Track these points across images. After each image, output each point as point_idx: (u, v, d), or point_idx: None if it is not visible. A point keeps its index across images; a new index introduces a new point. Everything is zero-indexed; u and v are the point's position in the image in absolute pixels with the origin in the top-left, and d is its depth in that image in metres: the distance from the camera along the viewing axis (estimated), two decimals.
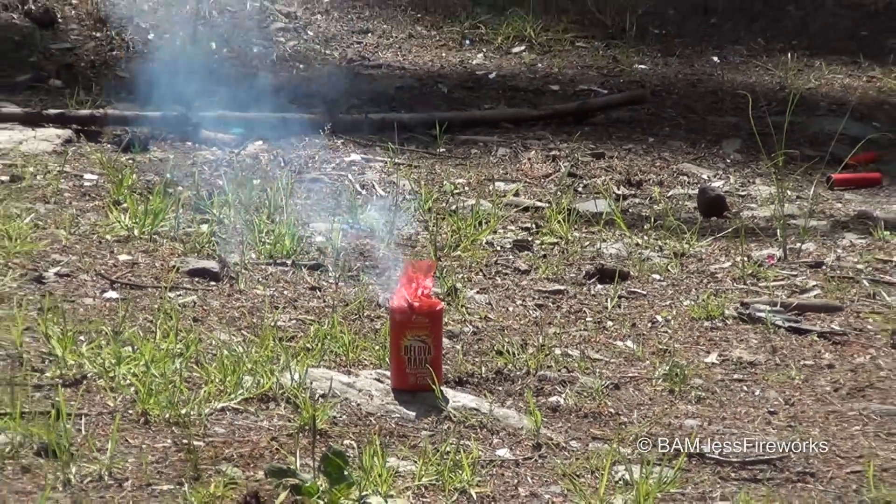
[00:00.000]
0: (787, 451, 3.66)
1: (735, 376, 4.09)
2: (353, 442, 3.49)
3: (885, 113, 4.77)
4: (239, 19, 5.74)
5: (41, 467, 3.25)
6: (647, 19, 5.47)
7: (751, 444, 3.74)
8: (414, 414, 3.66)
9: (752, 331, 4.16)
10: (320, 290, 4.41)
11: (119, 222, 4.38)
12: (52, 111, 4.55)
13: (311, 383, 3.69)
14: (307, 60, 5.88)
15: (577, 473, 3.48)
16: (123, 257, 4.11)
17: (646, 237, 4.22)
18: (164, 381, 3.65)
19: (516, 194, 4.59)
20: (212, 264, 4.42)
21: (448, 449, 3.48)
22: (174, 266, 4.47)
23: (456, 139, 4.88)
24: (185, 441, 3.44)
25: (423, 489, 3.35)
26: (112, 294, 4.14)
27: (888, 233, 4.75)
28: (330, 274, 4.27)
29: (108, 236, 4.12)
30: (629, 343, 3.97)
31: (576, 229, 4.11)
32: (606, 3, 5.81)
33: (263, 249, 4.57)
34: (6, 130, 4.23)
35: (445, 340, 3.78)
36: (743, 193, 4.50)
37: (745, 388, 4.07)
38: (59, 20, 5.08)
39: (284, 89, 4.90)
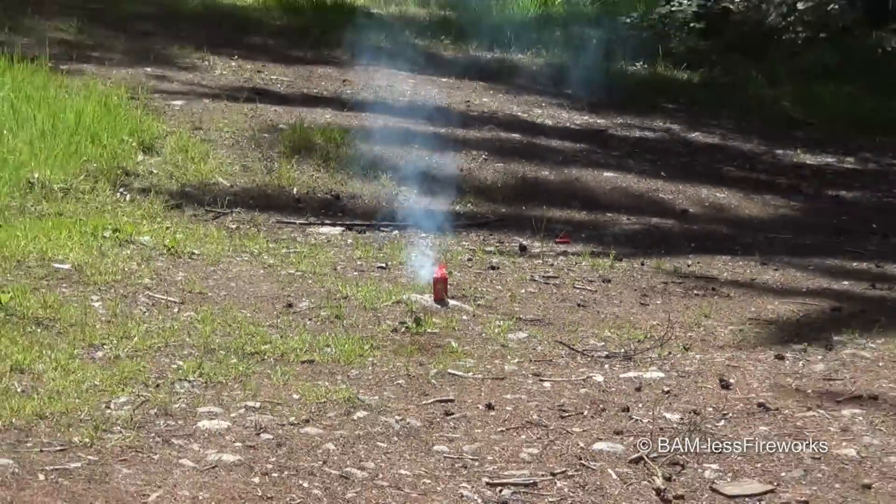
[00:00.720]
0: (541, 316, 4.19)
1: (530, 297, 4.44)
2: (422, 313, 3.98)
3: (572, 224, 5.37)
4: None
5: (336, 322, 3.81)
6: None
7: (529, 312, 4.19)
8: (438, 306, 4.13)
9: (534, 284, 4.59)
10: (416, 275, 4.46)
11: (357, 254, 4.71)
12: (339, 222, 5.17)
13: (412, 298, 4.17)
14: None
15: (483, 323, 3.99)
16: (358, 262, 4.66)
17: (499, 259, 4.83)
18: (374, 296, 4.12)
19: (467, 249, 5.03)
20: (382, 264, 4.65)
21: (449, 316, 4.05)
22: (370, 265, 4.65)
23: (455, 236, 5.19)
24: (377, 314, 3.99)
25: (441, 328, 3.87)
26: (355, 274, 4.53)
27: (577, 257, 4.90)
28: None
29: (354, 257, 4.70)
30: (499, 287, 4.50)
31: (485, 257, 4.84)
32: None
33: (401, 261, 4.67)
34: (326, 228, 4.97)
35: (449, 287, 4.22)
36: (532, 248, 5.05)
37: (532, 299, 4.40)
38: (340, 201, 5.47)
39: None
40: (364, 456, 2.72)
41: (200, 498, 2.44)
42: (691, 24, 8.63)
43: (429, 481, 2.63)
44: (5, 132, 5.25)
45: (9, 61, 6.14)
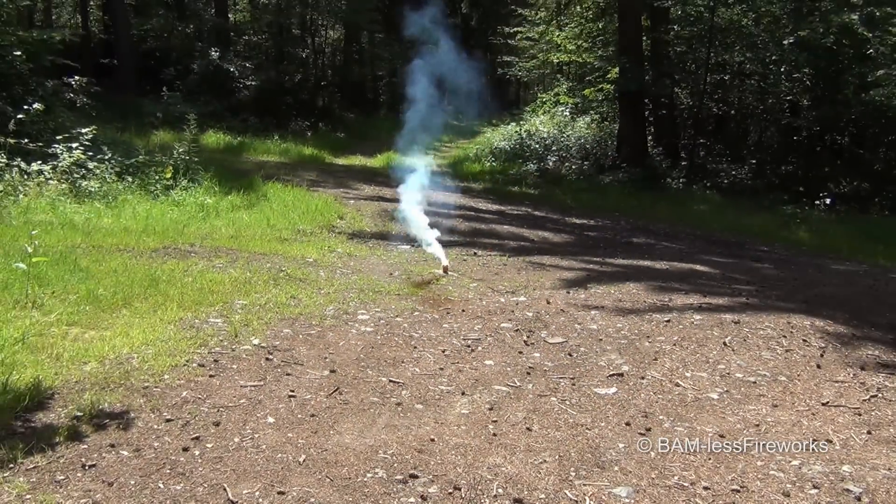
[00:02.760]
0: (481, 277, 3.40)
1: (477, 270, 3.78)
2: (438, 276, 3.41)
3: (492, 245, 4.51)
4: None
5: (407, 279, 3.18)
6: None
7: (476, 275, 3.45)
8: (445, 274, 3.52)
9: (479, 266, 3.97)
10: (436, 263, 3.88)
11: (416, 256, 3.90)
12: (408, 244, 4.21)
13: (434, 271, 3.57)
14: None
15: (460, 280, 3.24)
16: (416, 258, 4.06)
17: (467, 257, 4.12)
18: (421, 270, 3.46)
19: (456, 252, 4.15)
20: (424, 258, 4.03)
21: (449, 278, 3.44)
22: (420, 258, 4.08)
23: (451, 248, 4.22)
24: (422, 276, 3.34)
25: (445, 282, 3.29)
26: (415, 261, 3.96)
27: (495, 256, 3.84)
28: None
29: (415, 256, 4.11)
30: (467, 267, 3.90)
31: (462, 255, 4.15)
32: None
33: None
34: (403, 246, 4.09)
35: (451, 270, 3.69)
36: (478, 253, 4.30)
37: (478, 271, 3.69)
38: (409, 237, 4.40)
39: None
40: (418, 328, 2.49)
41: (358, 342, 2.28)
42: (534, 174, 8.85)
43: (441, 338, 2.42)
44: (290, 211, 5.29)
45: (290, 188, 6.26)
